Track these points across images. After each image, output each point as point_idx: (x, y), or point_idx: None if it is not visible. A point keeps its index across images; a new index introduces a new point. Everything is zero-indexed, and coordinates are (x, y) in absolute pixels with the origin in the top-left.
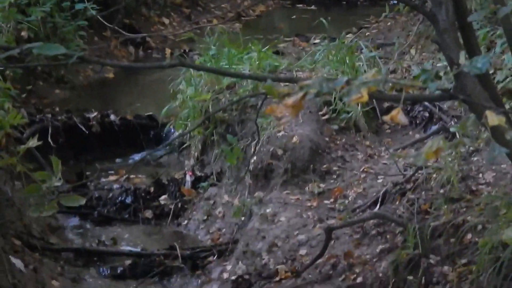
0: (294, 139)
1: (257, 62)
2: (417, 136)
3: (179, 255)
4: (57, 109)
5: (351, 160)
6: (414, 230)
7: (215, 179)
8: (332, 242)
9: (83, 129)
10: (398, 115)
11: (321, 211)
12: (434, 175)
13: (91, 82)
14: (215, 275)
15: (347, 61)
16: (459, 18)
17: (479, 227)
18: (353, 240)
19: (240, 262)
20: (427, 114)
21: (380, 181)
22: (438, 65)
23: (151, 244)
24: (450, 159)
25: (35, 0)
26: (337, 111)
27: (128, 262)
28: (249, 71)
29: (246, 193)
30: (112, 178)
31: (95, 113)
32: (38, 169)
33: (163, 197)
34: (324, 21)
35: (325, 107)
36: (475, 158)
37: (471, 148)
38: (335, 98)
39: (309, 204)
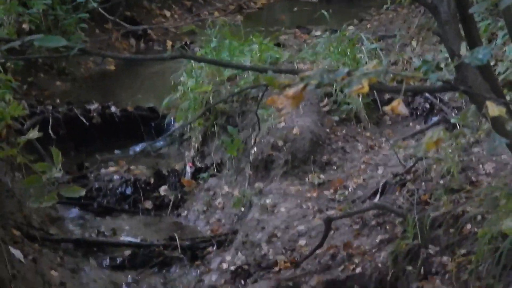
0: (295, 131)
1: (258, 54)
2: (418, 127)
3: (179, 245)
4: (58, 100)
5: (351, 151)
6: (414, 221)
7: (215, 170)
8: (332, 232)
9: (84, 120)
10: (399, 106)
11: (321, 201)
12: (434, 166)
13: (92, 74)
14: (214, 266)
15: (348, 53)
16: (461, 10)
17: (479, 217)
18: (352, 230)
19: (239, 253)
20: (428, 106)
21: (380, 172)
22: (439, 57)
23: (150, 234)
24: (450, 150)
25: None
26: (338, 103)
27: (127, 252)
28: (250, 63)
29: (246, 184)
30: (112, 169)
31: (96, 105)
32: (38, 160)
33: (163, 188)
34: (325, 13)
35: (326, 98)
36: (475, 149)
37: (471, 139)
38: (336, 89)
39: (309, 195)
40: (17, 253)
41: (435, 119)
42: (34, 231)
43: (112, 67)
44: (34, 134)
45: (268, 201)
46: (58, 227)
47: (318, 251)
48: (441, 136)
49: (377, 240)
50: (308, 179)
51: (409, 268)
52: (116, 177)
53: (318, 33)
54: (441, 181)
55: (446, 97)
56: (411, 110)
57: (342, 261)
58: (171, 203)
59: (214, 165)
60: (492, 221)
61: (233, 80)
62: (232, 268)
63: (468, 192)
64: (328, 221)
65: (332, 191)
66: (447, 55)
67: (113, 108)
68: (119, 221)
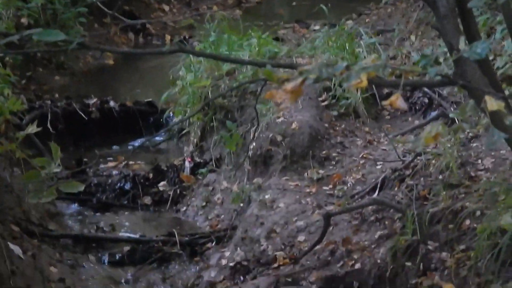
0: (294, 125)
1: (257, 49)
2: (417, 122)
3: (178, 241)
4: (57, 95)
5: (350, 146)
6: (413, 216)
7: (214, 165)
8: (331, 228)
9: (83, 115)
10: (397, 101)
11: (320, 197)
12: (433, 161)
13: (91, 69)
14: (213, 262)
15: (347, 48)
16: (459, 4)
17: (478, 213)
18: (351, 226)
19: (238, 249)
20: (426, 100)
21: (379, 167)
22: (438, 51)
23: (149, 230)
24: (449, 145)
25: None
26: (337, 97)
27: (126, 248)
28: (249, 57)
29: (245, 179)
30: (111, 164)
31: (95, 100)
32: (37, 155)
33: (162, 183)
34: (324, 7)
35: (325, 93)
36: (474, 144)
37: (470, 134)
38: (334, 84)
39: (308, 190)
40: (16, 249)
41: (434, 114)
42: (33, 226)
43: (111, 62)
44: (33, 129)
45: (267, 196)
46: (57, 222)
47: (317, 247)
48: (440, 130)
49: (376, 236)
50: (307, 174)
51: (408, 264)
52: (115, 172)
53: (317, 27)
54: (440, 177)
55: (445, 91)
56: (410, 105)
57: (341, 257)
58: (170, 198)
59: (213, 160)
60: (491, 217)
61: (232, 74)
62: (231, 264)
63: (467, 187)
64: (327, 217)
65: (331, 186)
66: (445, 49)
67: (112, 103)
68: (118, 216)
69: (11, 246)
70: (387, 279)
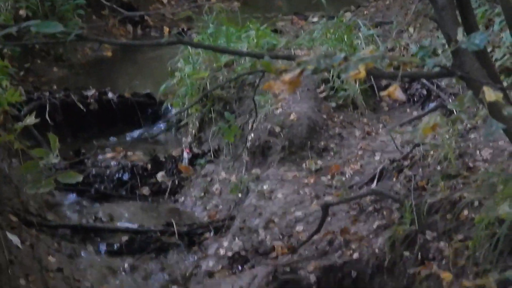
0: (292, 117)
1: (255, 41)
2: (415, 113)
3: (176, 231)
4: (55, 87)
5: (348, 137)
6: (411, 207)
7: (212, 156)
8: (329, 218)
9: (81, 107)
10: (396, 91)
11: (318, 187)
12: (431, 152)
13: (89, 60)
14: (211, 252)
15: (345, 40)
16: None
17: (476, 203)
18: (349, 216)
19: (236, 239)
20: (425, 92)
21: (377, 158)
22: (436, 43)
23: (148, 220)
24: (447, 136)
25: None
26: (335, 89)
27: (124, 238)
28: (247, 49)
29: (243, 170)
30: (109, 155)
31: (93, 91)
32: (35, 146)
33: (160, 174)
34: None
35: (323, 84)
36: (472, 135)
37: (468, 126)
38: (333, 75)
39: (306, 181)
40: (15, 239)
41: (432, 105)
42: (32, 217)
43: (109, 53)
44: (31, 120)
45: (265, 187)
46: (55, 213)
47: (315, 237)
48: (438, 121)
49: (374, 226)
50: (305, 165)
51: (406, 253)
52: (113, 163)
53: (315, 19)
54: (438, 167)
55: (443, 83)
56: (408, 97)
57: (339, 246)
58: (168, 189)
59: (211, 151)
60: (489, 207)
61: (230, 66)
62: (229, 254)
63: (465, 178)
64: (325, 207)
65: (329, 177)
66: (444, 41)
67: (110, 94)
68: (116, 207)
69: (10, 236)
70: (385, 268)
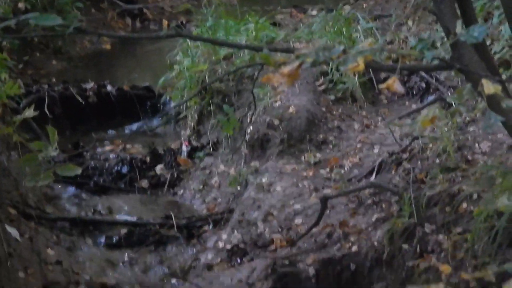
0: (291, 109)
1: (254, 34)
2: (414, 106)
3: (175, 224)
4: (54, 80)
5: (347, 130)
6: (410, 199)
7: (211, 149)
8: (328, 211)
9: (80, 99)
10: (394, 84)
11: (317, 180)
12: (430, 145)
13: (88, 53)
14: (210, 244)
15: (344, 33)
16: None
17: (475, 196)
18: (348, 209)
19: (235, 231)
20: (424, 85)
21: (376, 151)
22: (435, 36)
23: (146, 213)
24: (446, 129)
25: None
26: (334, 82)
27: (123, 231)
28: (246, 42)
29: (242, 163)
30: (108, 148)
31: (92, 84)
32: (34, 139)
33: (159, 166)
34: None
35: (322, 77)
36: (471, 128)
37: (467, 119)
38: (331, 68)
39: (305, 173)
40: (13, 232)
41: (431, 98)
42: (30, 209)
43: (108, 46)
44: (30, 113)
45: (264, 180)
46: (54, 205)
47: (314, 230)
48: (437, 113)
49: (373, 219)
50: (304, 158)
51: (405, 246)
52: (112, 156)
53: (314, 12)
54: (437, 160)
55: (442, 76)
56: (407, 90)
57: (338, 239)
58: (167, 182)
59: (210, 144)
60: (488, 200)
61: (229, 59)
62: (228, 246)
63: (464, 170)
64: (324, 200)
65: (328, 170)
66: (443, 34)
67: (109, 87)
68: (115, 200)
69: (9, 228)
70: (384, 261)
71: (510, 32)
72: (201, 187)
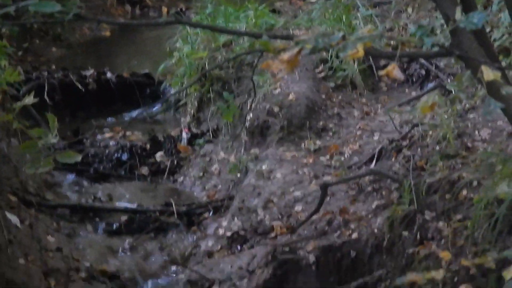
0: (290, 97)
1: (254, 21)
2: (414, 93)
3: (175, 211)
4: (54, 67)
5: (347, 117)
6: (410, 187)
7: (211, 136)
8: (328, 198)
9: (80, 86)
10: (394, 71)
11: (317, 167)
12: (430, 132)
13: (88, 40)
14: (210, 231)
15: (344, 20)
16: None
17: (475, 183)
18: (348, 196)
19: (235, 218)
20: (423, 72)
21: (376, 138)
22: (435, 23)
23: (146, 200)
24: (446, 116)
25: None
26: (334, 69)
27: (123, 218)
28: (245, 29)
29: (242, 150)
30: (108, 135)
31: (92, 71)
32: (34, 126)
33: (159, 154)
34: None
35: (322, 64)
36: (471, 115)
37: (467, 106)
38: (331, 55)
39: (305, 160)
40: (14, 219)
41: (431, 85)
42: (31, 196)
43: (108, 33)
44: (29, 100)
45: (264, 167)
46: (54, 192)
47: (314, 217)
48: (436, 100)
49: (373, 206)
50: (304, 145)
51: (405, 233)
52: (112, 143)
53: None
54: (437, 147)
55: (442, 63)
56: (407, 77)
57: (338, 226)
58: (167, 169)
59: (210, 131)
60: (487, 187)
61: (229, 46)
62: (228, 233)
63: (464, 158)
64: (324, 187)
65: (328, 157)
66: (442, 21)
67: (108, 74)
68: (115, 187)
69: (9, 215)
70: (384, 248)
71: (510, 19)
72: (201, 174)
